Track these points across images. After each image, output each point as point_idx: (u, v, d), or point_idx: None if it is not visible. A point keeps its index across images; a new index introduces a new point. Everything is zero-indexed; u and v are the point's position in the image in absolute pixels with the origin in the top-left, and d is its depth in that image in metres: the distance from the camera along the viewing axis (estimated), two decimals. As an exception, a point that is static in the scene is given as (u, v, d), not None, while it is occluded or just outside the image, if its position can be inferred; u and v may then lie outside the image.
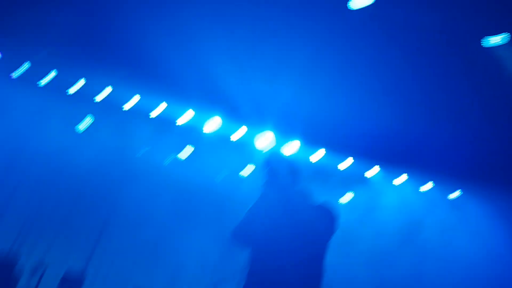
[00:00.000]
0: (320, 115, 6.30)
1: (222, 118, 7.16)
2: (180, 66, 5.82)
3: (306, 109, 6.24)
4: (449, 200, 7.31)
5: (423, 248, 7.08)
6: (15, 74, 6.83)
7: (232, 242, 2.53)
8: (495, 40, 4.33)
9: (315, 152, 7.31)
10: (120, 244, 7.65)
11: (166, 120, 7.36)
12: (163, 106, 7.23)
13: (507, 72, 4.72)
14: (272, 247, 2.40)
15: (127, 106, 7.22)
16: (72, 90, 7.03)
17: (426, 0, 4.30)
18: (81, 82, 7.01)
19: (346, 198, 8.06)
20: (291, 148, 7.14)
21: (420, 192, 7.40)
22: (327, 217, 2.54)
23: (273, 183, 2.57)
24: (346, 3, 4.46)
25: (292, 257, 2.36)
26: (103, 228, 7.76)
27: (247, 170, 7.99)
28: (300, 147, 7.18)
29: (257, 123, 6.88)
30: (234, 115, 6.96)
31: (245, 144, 7.30)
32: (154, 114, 7.30)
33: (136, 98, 7.16)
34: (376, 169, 7.49)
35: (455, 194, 7.27)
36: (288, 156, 6.91)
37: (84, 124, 7.70)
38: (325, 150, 7.30)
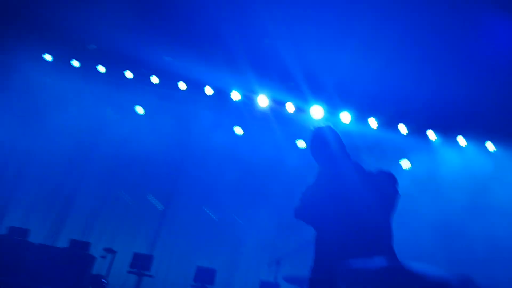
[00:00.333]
0: (377, 85, 6.24)
1: (269, 95, 7.10)
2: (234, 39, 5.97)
3: (364, 79, 6.20)
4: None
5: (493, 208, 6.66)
6: None
7: (295, 219, 2.50)
8: None
9: (369, 122, 7.13)
10: (182, 225, 7.86)
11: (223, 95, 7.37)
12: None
13: None
14: (334, 221, 2.35)
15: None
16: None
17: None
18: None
19: (405, 165, 7.82)
20: (346, 118, 6.99)
21: (482, 153, 7.05)
22: (389, 185, 2.44)
23: (329, 156, 2.50)
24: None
25: (355, 228, 2.28)
26: (165, 209, 8.01)
27: (301, 143, 7.93)
28: (354, 117, 7.02)
29: (313, 96, 6.81)
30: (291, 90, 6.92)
31: (300, 117, 7.23)
32: (208, 91, 7.32)
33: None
34: (431, 134, 7.21)
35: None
36: (343, 126, 6.84)
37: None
38: (379, 120, 7.10)
